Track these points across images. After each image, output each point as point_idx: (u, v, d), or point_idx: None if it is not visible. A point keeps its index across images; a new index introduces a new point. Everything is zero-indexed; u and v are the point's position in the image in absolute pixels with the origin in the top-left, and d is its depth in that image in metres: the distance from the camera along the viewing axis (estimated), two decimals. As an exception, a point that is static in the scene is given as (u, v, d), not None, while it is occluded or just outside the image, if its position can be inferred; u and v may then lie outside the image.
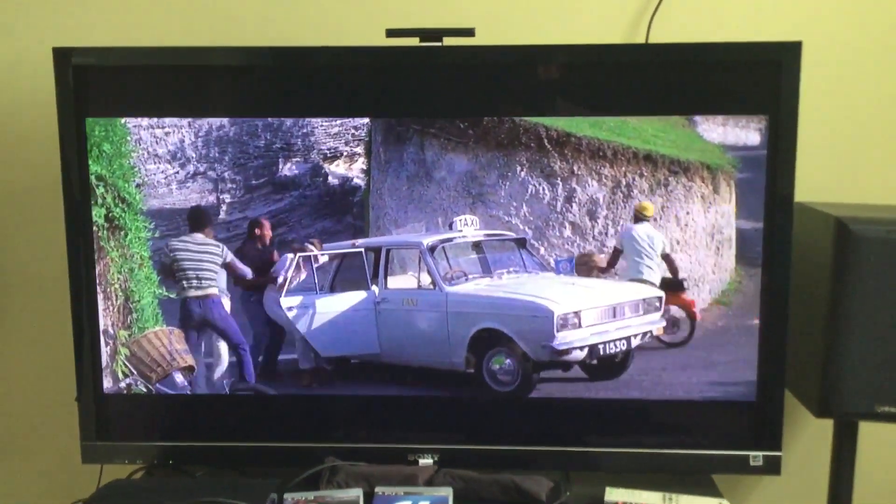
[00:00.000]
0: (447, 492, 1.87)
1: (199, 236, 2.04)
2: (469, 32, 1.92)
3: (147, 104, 1.98)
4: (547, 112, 1.94)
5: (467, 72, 1.96)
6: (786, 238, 1.89)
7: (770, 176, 1.89)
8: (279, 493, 1.87)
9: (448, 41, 1.93)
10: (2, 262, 2.32)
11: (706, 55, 1.91)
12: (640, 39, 2.13)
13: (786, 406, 1.95)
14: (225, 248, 2.05)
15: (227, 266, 2.05)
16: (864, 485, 2.00)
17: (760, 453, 1.96)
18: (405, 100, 1.98)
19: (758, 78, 1.89)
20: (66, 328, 2.01)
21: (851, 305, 1.78)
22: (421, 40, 1.93)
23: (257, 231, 2.04)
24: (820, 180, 2.09)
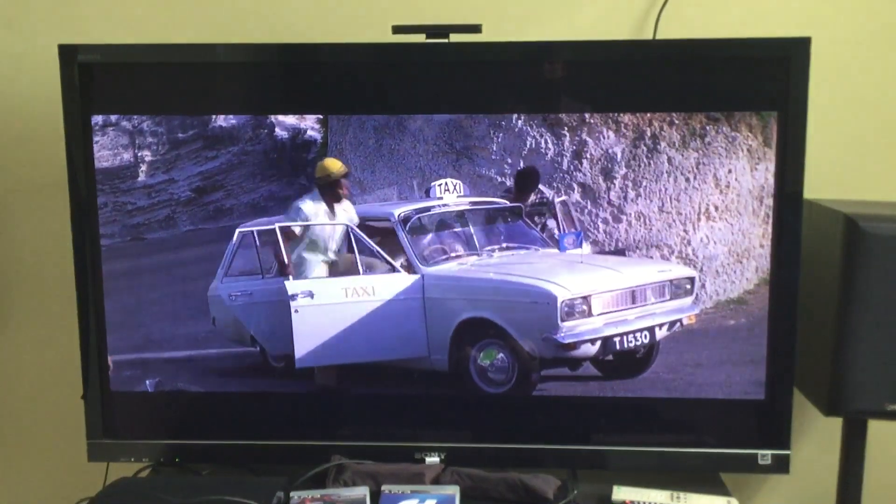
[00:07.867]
0: (454, 490, 1.86)
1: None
2: (475, 29, 1.92)
3: (153, 101, 1.97)
4: (554, 109, 1.91)
5: (474, 68, 1.95)
6: (795, 235, 1.88)
7: (779, 173, 1.87)
8: (286, 492, 1.86)
9: (454, 38, 1.93)
10: (7, 260, 2.32)
11: (714, 51, 1.90)
12: (648, 36, 2.12)
13: (794, 404, 1.94)
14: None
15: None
16: (873, 483, 1.99)
17: (769, 452, 1.95)
18: (411, 96, 1.96)
19: (767, 74, 1.87)
20: (72, 326, 2.01)
21: (861, 303, 1.77)
22: (427, 37, 1.93)
23: None
24: (829, 177, 2.08)
